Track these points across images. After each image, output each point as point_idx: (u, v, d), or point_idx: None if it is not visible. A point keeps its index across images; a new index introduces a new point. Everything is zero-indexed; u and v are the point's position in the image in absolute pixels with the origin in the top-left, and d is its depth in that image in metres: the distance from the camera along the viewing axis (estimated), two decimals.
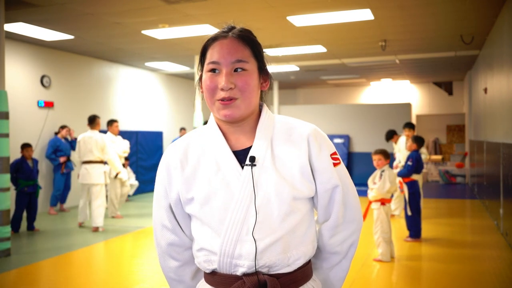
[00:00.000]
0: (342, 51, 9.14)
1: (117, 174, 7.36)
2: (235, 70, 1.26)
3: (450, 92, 14.14)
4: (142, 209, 8.44)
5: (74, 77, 9.16)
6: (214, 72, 1.27)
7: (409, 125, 7.37)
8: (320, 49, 8.76)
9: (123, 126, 10.30)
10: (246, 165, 1.24)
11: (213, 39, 1.30)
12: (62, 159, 8.08)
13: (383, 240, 4.86)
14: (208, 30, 7.15)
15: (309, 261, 1.32)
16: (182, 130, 11.39)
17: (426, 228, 6.37)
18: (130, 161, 10.15)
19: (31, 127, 8.11)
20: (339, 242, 1.36)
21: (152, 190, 11.05)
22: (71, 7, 6.00)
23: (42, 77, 8.38)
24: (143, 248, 5.75)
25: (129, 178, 7.92)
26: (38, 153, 8.15)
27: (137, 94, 10.99)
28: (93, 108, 9.56)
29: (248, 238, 1.21)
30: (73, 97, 9.10)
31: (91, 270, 4.82)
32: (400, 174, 5.87)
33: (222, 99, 1.25)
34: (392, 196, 5.11)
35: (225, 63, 1.25)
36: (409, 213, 5.73)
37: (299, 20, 6.65)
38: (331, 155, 1.32)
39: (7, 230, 5.26)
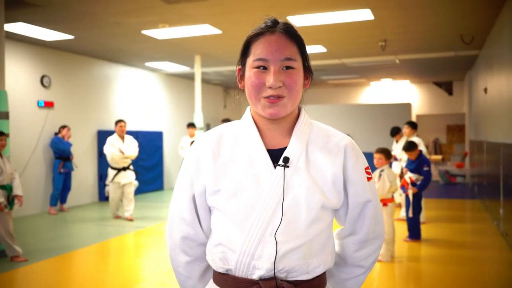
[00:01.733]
0: (342, 51, 9.14)
1: (113, 178, 7.30)
2: (284, 68, 1.23)
3: (450, 92, 14.13)
4: (142, 210, 8.43)
5: (74, 77, 9.16)
6: (262, 68, 1.23)
7: (410, 124, 7.34)
8: (320, 49, 8.75)
9: None
10: (279, 165, 1.21)
11: (258, 34, 1.26)
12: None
13: (384, 241, 4.85)
14: (208, 30, 7.15)
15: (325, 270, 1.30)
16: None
17: (426, 229, 6.36)
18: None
19: (31, 127, 8.10)
20: (365, 256, 1.35)
21: (152, 190, 11.05)
22: (71, 7, 6.00)
23: (42, 77, 8.38)
24: (143, 248, 5.75)
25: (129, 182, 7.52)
26: (38, 153, 8.15)
27: (137, 94, 10.98)
28: (93, 108, 9.56)
29: (271, 239, 1.18)
30: (73, 97, 9.10)
31: (91, 270, 4.82)
32: (421, 187, 5.70)
33: (270, 97, 1.22)
34: (393, 196, 5.08)
35: (274, 60, 1.22)
36: (411, 215, 5.70)
37: (299, 20, 6.64)
38: (365, 169, 1.31)
39: None
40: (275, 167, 1.23)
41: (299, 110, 1.34)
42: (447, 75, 12.85)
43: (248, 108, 1.35)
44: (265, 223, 1.18)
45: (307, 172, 1.23)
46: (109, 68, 10.09)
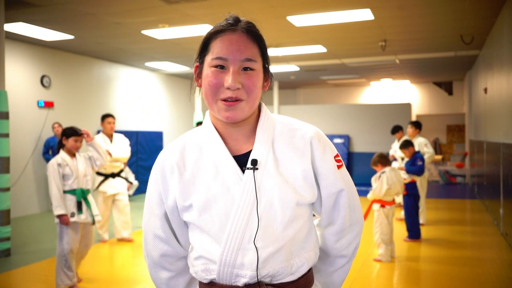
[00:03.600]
0: (342, 51, 9.14)
1: (98, 186, 5.75)
2: (244, 69, 1.17)
3: (450, 92, 14.13)
4: (141, 209, 8.43)
5: (74, 77, 9.16)
6: (220, 68, 1.17)
7: (414, 124, 7.28)
8: (320, 49, 8.75)
9: (123, 126, 10.31)
10: (248, 168, 1.16)
11: (219, 31, 1.20)
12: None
13: (382, 241, 4.86)
14: (208, 30, 7.14)
15: (311, 267, 1.27)
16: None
17: (426, 229, 6.36)
18: (130, 161, 10.14)
19: (31, 127, 8.10)
20: (345, 245, 1.32)
21: None
22: (71, 7, 6.00)
23: (42, 77, 8.38)
24: (142, 248, 5.74)
25: (119, 193, 5.89)
26: (38, 153, 8.14)
27: (137, 94, 10.98)
28: (93, 108, 9.56)
29: (250, 246, 1.14)
30: (73, 97, 9.10)
31: (91, 270, 4.81)
32: (410, 171, 5.86)
33: (226, 99, 1.16)
34: (394, 199, 5.07)
35: (234, 60, 1.16)
36: (403, 215, 5.74)
37: (299, 20, 6.64)
38: (334, 157, 1.26)
39: (7, 230, 5.27)
40: (243, 171, 1.17)
41: (260, 107, 1.28)
42: (447, 75, 12.85)
43: (207, 113, 1.29)
44: (241, 231, 1.14)
45: (276, 171, 1.18)
46: (109, 68, 10.09)
